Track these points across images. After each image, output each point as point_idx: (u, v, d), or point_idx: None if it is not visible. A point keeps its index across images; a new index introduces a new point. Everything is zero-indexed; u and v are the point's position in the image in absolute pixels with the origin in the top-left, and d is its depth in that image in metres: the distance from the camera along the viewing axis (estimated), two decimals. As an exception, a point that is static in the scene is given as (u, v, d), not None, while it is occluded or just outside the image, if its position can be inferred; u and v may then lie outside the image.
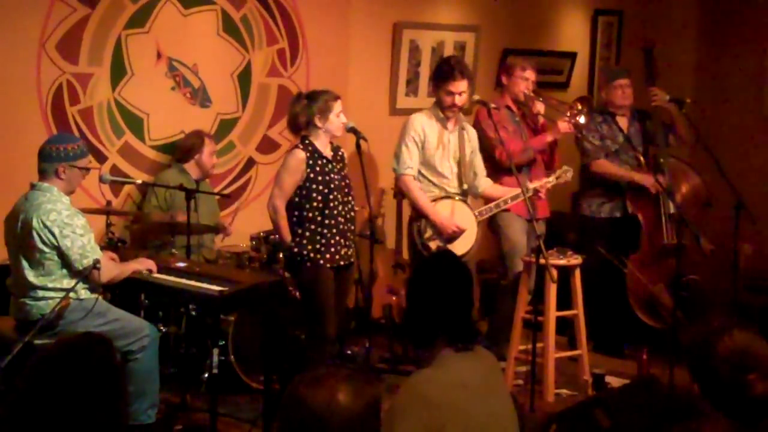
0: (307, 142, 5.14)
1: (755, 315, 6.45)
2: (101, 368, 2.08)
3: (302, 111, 5.13)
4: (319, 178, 5.09)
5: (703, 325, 2.80)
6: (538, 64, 6.45)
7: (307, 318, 5.14)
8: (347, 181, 5.25)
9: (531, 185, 5.79)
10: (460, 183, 5.77)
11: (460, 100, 5.64)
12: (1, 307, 4.82)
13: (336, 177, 5.16)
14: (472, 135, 5.85)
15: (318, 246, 5.08)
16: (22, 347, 4.03)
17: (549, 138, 6.13)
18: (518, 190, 5.60)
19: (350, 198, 5.24)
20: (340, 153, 5.27)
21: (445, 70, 5.66)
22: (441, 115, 5.71)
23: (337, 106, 5.15)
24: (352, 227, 5.27)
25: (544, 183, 5.83)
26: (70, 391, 2.03)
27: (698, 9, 8.41)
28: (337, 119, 5.15)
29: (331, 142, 5.22)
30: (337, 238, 5.14)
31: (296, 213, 5.11)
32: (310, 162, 5.09)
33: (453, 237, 5.61)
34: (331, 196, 5.10)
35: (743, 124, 8.00)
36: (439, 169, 5.71)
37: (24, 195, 4.63)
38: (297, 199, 5.10)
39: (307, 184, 5.08)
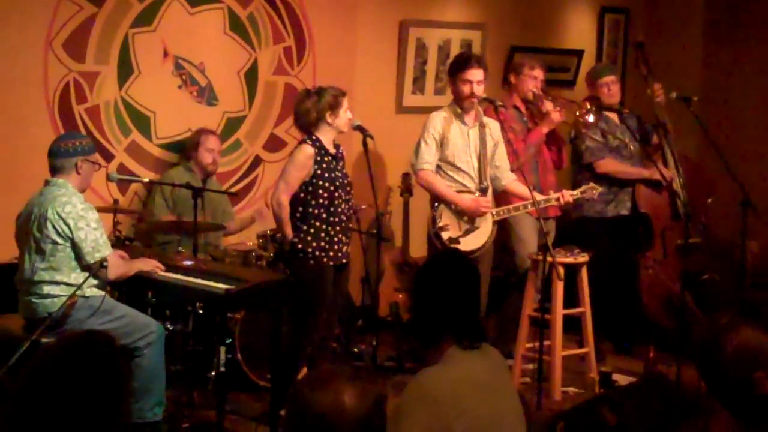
0: (314, 138, 5.14)
1: (762, 312, 6.40)
2: (103, 366, 2.08)
3: (313, 107, 5.13)
4: (326, 174, 5.09)
5: (711, 323, 2.79)
6: (545, 62, 6.43)
7: (299, 311, 5.12)
8: (348, 179, 5.26)
9: (554, 195, 5.74)
10: (480, 178, 5.75)
11: (478, 89, 5.63)
12: (8, 305, 4.84)
13: (340, 175, 5.16)
14: (494, 129, 5.81)
15: (322, 243, 5.08)
16: (29, 346, 4.04)
17: (544, 129, 6.10)
18: (540, 197, 5.62)
19: (351, 196, 5.26)
20: (340, 151, 5.28)
21: (460, 61, 5.73)
22: (459, 110, 5.71)
23: (345, 102, 5.17)
24: (351, 225, 5.30)
25: (568, 195, 5.73)
26: (71, 388, 2.03)
27: (704, 7, 8.39)
28: (345, 115, 5.17)
29: (333, 140, 5.22)
30: (340, 235, 5.15)
31: (300, 209, 5.11)
32: (318, 158, 5.09)
33: (474, 224, 5.61)
34: (336, 194, 5.10)
35: (750, 122, 7.98)
36: (457, 164, 5.70)
37: (39, 191, 4.66)
38: (302, 195, 5.10)
39: (314, 180, 5.08)
